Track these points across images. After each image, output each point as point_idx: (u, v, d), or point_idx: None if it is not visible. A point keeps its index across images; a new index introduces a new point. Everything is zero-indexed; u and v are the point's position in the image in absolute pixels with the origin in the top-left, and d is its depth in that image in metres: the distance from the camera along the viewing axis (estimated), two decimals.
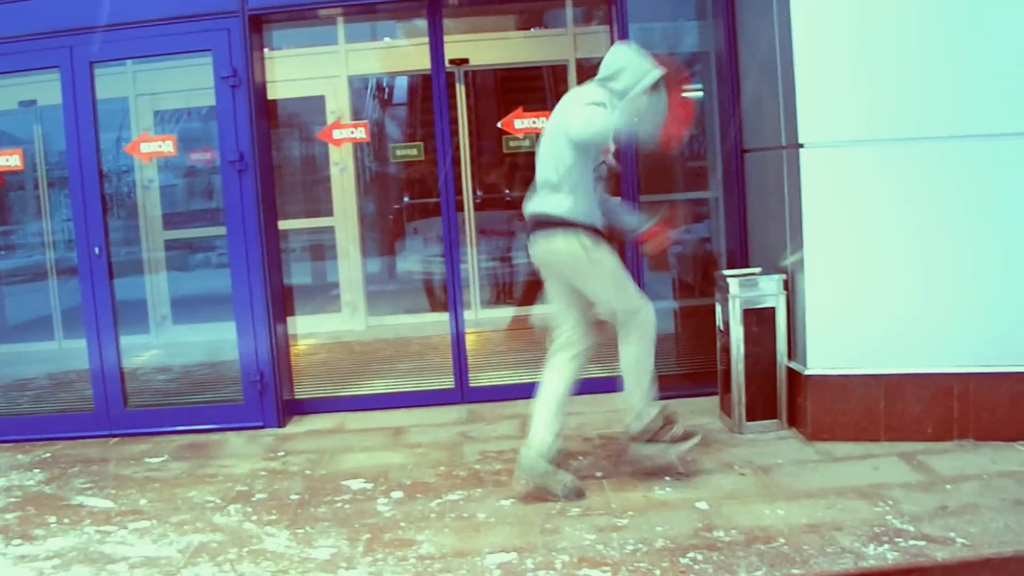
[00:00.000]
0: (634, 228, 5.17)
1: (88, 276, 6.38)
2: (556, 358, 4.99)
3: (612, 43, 6.27)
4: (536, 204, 4.92)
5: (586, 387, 5.31)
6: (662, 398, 6.16)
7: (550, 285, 5.06)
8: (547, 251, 4.88)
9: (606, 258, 4.82)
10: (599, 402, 6.10)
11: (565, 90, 6.33)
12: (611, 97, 4.75)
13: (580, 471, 5.11)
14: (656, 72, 4.76)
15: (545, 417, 4.86)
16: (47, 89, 6.74)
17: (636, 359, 4.92)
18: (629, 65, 4.80)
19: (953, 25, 5.16)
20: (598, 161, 4.86)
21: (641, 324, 4.89)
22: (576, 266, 4.83)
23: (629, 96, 4.77)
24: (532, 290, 9.74)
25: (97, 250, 6.32)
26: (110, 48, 6.31)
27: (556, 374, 4.94)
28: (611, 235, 5.03)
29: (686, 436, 5.00)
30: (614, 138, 4.86)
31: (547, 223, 4.83)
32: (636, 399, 4.97)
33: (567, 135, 4.69)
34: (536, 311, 9.48)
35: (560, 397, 4.89)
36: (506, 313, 9.71)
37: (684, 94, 4.75)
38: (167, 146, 6.82)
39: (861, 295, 5.30)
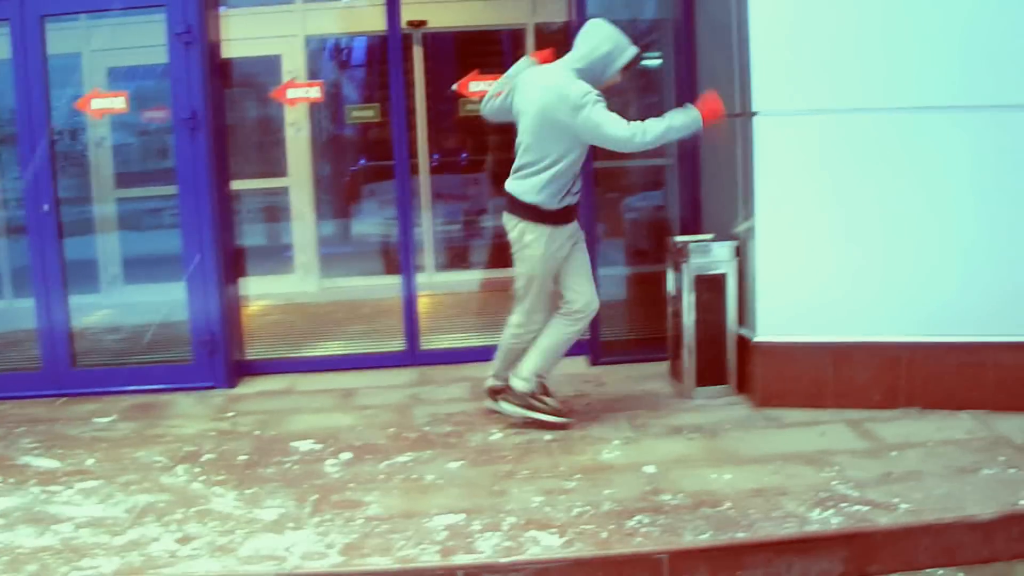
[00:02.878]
0: (690, 122, 4.97)
1: (36, 234, 6.28)
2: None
3: (570, 9, 6.27)
4: (508, 184, 5.10)
5: None
6: (613, 363, 6.20)
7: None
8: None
9: (536, 257, 5.02)
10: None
11: (522, 54, 6.29)
12: (587, 78, 4.82)
13: (528, 433, 5.15)
14: (633, 49, 4.80)
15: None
16: None
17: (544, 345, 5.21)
18: (607, 42, 4.83)
19: None
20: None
21: (554, 329, 5.20)
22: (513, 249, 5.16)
23: (607, 75, 4.85)
24: (486, 254, 9.75)
25: (46, 207, 6.21)
26: (62, 1, 6.22)
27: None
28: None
29: (557, 413, 5.23)
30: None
31: (509, 205, 5.09)
32: (527, 369, 5.20)
33: (575, 133, 4.85)
34: (489, 275, 9.48)
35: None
36: (460, 277, 9.70)
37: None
38: (119, 102, 6.70)
39: (811, 263, 5.32)
